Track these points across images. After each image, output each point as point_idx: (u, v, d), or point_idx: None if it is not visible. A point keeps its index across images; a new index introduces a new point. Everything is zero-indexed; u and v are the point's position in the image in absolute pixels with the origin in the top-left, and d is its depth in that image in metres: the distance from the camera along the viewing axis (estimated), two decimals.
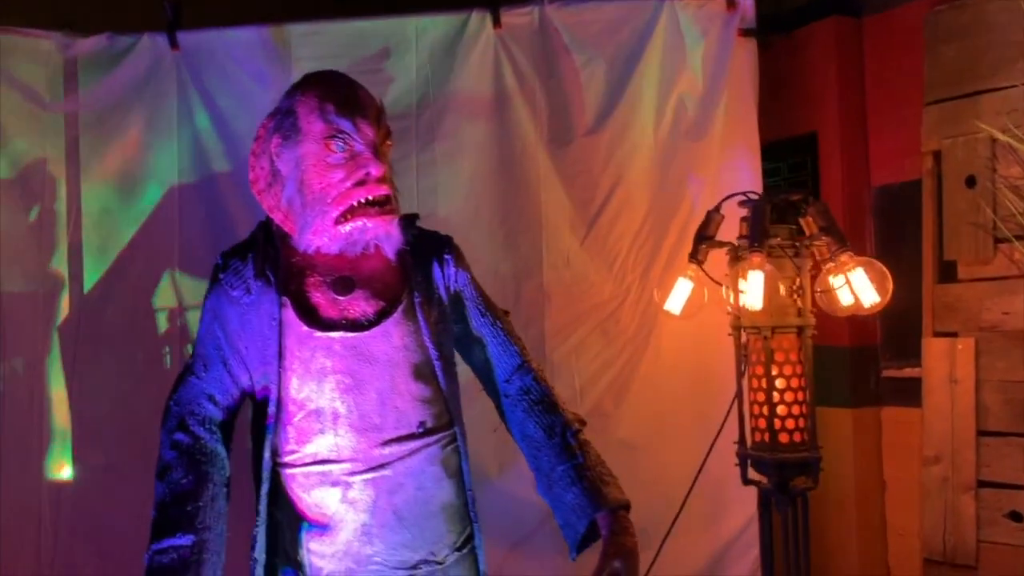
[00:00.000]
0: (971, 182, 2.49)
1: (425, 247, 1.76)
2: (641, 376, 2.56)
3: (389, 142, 1.70)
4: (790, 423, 1.99)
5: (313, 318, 1.64)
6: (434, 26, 2.68)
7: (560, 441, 1.74)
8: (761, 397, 2.00)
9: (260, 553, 1.65)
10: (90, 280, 2.72)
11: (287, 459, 1.65)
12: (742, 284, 1.91)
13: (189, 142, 2.74)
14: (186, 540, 1.56)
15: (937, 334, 2.56)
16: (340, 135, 1.61)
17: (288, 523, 1.67)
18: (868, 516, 2.84)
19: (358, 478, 1.62)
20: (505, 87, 2.65)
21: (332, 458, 1.63)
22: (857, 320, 2.86)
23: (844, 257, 1.98)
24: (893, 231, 2.85)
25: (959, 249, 2.52)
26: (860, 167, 2.92)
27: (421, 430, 1.67)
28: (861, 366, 2.88)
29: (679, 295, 2.14)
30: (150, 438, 1.75)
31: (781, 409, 1.99)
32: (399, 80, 2.67)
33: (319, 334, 1.63)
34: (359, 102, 1.65)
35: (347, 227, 1.63)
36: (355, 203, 1.62)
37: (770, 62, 2.97)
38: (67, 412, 2.65)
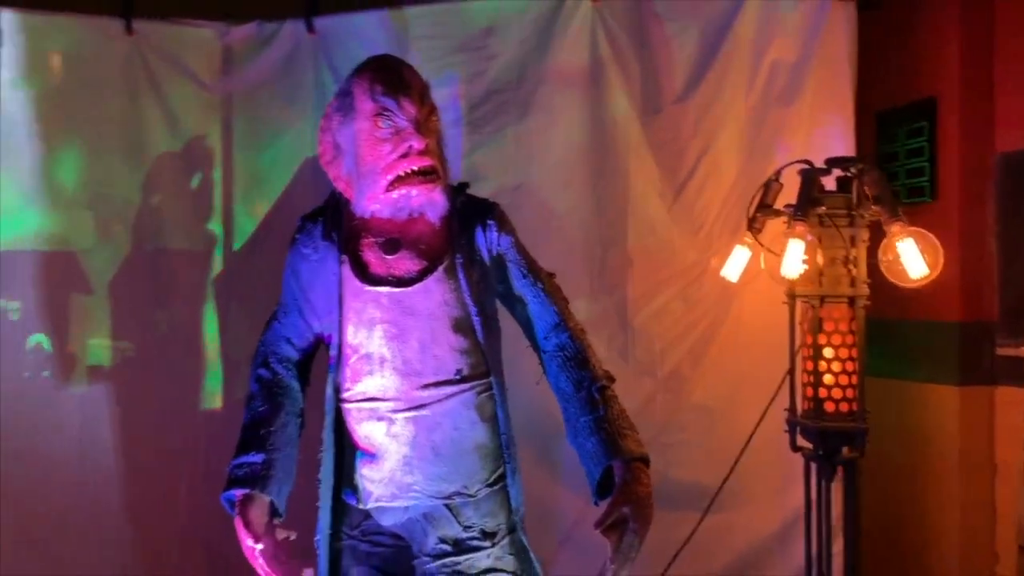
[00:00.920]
0: None
1: (470, 213, 1.94)
2: (720, 342, 2.63)
3: (434, 118, 1.89)
4: (836, 393, 1.99)
5: (365, 274, 1.87)
6: (535, 3, 2.83)
7: (586, 395, 1.87)
8: (810, 366, 2.02)
9: (326, 476, 1.92)
10: (240, 239, 3.16)
11: (344, 395, 1.90)
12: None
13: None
14: (257, 458, 1.85)
15: None
16: (385, 113, 1.82)
17: (347, 451, 1.92)
18: (973, 498, 2.73)
19: (400, 415, 1.85)
20: (600, 58, 2.77)
21: (379, 396, 1.86)
22: (971, 294, 2.75)
23: (896, 227, 1.94)
24: (1018, 198, 2.68)
25: None
26: (983, 132, 2.76)
27: (458, 377, 1.86)
28: (973, 342, 2.75)
29: (736, 263, 2.19)
30: None
31: (828, 379, 2.00)
32: (501, 56, 2.86)
33: (369, 288, 1.86)
34: (403, 82, 1.85)
35: (395, 194, 1.84)
36: (401, 173, 1.83)
37: (887, 25, 2.86)
38: (218, 352, 3.11)
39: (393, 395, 1.85)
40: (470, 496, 1.87)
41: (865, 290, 2.03)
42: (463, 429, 1.87)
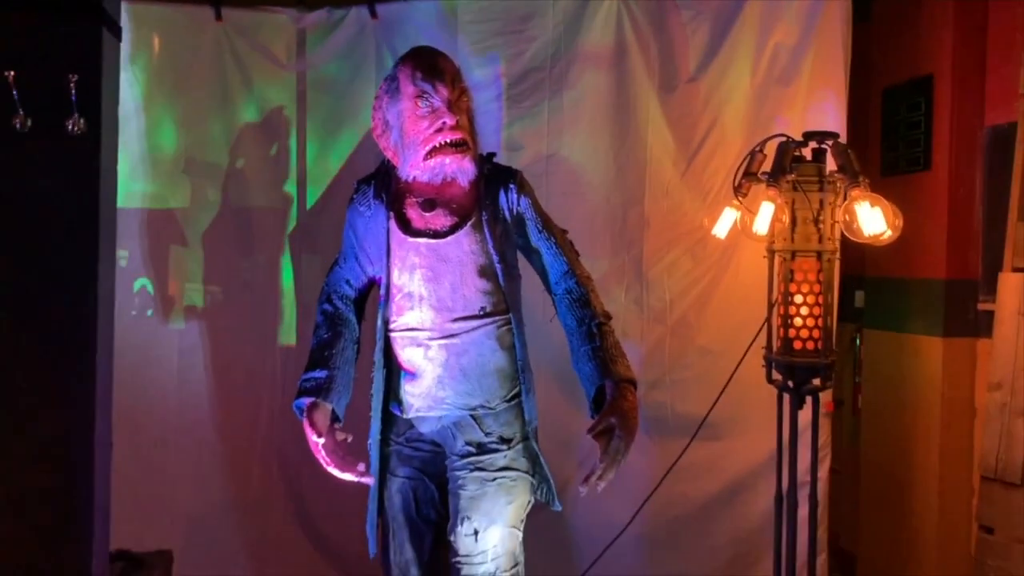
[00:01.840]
0: None
1: (495, 178, 2.32)
2: (721, 293, 2.98)
3: (465, 98, 2.27)
4: (804, 333, 2.33)
5: (408, 228, 2.28)
6: None
7: (587, 329, 2.26)
8: (783, 311, 2.36)
9: (376, 391, 2.35)
10: (311, 199, 3.61)
11: (391, 326, 2.32)
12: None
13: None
14: (321, 374, 2.30)
15: (1016, 269, 2.69)
16: (424, 95, 2.21)
17: (393, 371, 2.36)
18: (953, 440, 3.03)
19: (435, 342, 2.26)
20: (624, 42, 3.11)
21: (417, 327, 2.27)
22: (958, 255, 3.03)
23: (855, 192, 2.26)
24: (1003, 169, 2.94)
25: None
26: (973, 108, 3.02)
27: (482, 313, 2.26)
28: (957, 298, 3.04)
29: (725, 222, 2.53)
30: None
31: (798, 321, 2.33)
32: (538, 39, 3.21)
33: (411, 239, 2.26)
34: (438, 69, 2.24)
35: (431, 162, 2.24)
36: (436, 144, 2.22)
37: (895, 9, 3.13)
38: (292, 295, 3.58)
39: (429, 326, 2.25)
40: (491, 409, 2.27)
41: (831, 246, 2.36)
42: (486, 355, 2.26)
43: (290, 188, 3.62)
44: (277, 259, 3.60)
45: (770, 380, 2.45)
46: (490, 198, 2.30)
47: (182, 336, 3.54)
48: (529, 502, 2.29)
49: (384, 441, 2.36)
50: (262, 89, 3.58)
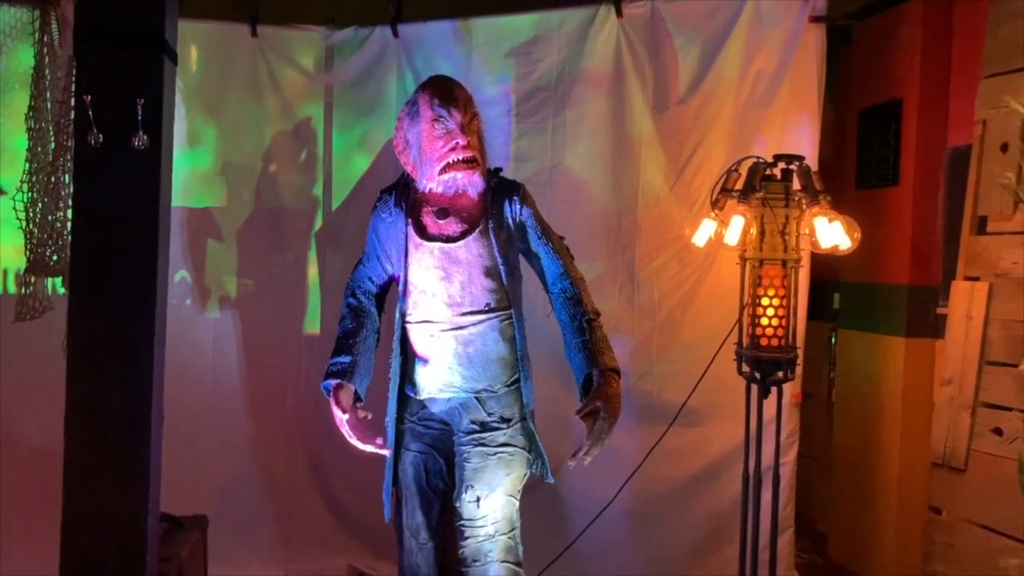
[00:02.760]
0: (1004, 148, 2.88)
1: (501, 190, 2.63)
2: (703, 294, 3.30)
3: (476, 121, 2.59)
4: (769, 331, 2.65)
5: (424, 233, 2.60)
6: (572, 17, 3.50)
7: (578, 324, 2.57)
8: (752, 311, 2.69)
9: (394, 375, 2.67)
10: (336, 202, 3.94)
11: (407, 318, 2.64)
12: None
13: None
14: (346, 359, 2.63)
15: (967, 278, 3.00)
16: (440, 119, 2.54)
17: (409, 358, 2.69)
18: (912, 431, 3.34)
19: (446, 334, 2.57)
20: (623, 65, 3.43)
21: (431, 319, 2.59)
22: (920, 263, 3.35)
23: (815, 209, 2.58)
24: (962, 187, 3.25)
25: (989, 206, 2.93)
26: (937, 130, 3.33)
27: (487, 308, 2.57)
28: (919, 302, 3.35)
29: (703, 232, 2.85)
30: None
31: (764, 321, 2.66)
32: (544, 60, 3.53)
33: (426, 243, 2.58)
34: (452, 96, 2.56)
35: (446, 176, 2.56)
36: (450, 161, 2.53)
37: (872, 37, 3.43)
38: (318, 290, 3.92)
39: (441, 319, 2.56)
40: (493, 392, 2.58)
41: (796, 255, 2.67)
42: (490, 345, 2.57)
43: (317, 191, 3.94)
44: (304, 256, 3.93)
45: (740, 372, 2.77)
46: (496, 208, 2.61)
47: (217, 324, 3.88)
48: (525, 475, 2.60)
49: (399, 419, 2.66)
50: (293, 100, 3.89)
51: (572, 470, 2.50)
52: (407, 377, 2.66)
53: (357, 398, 2.63)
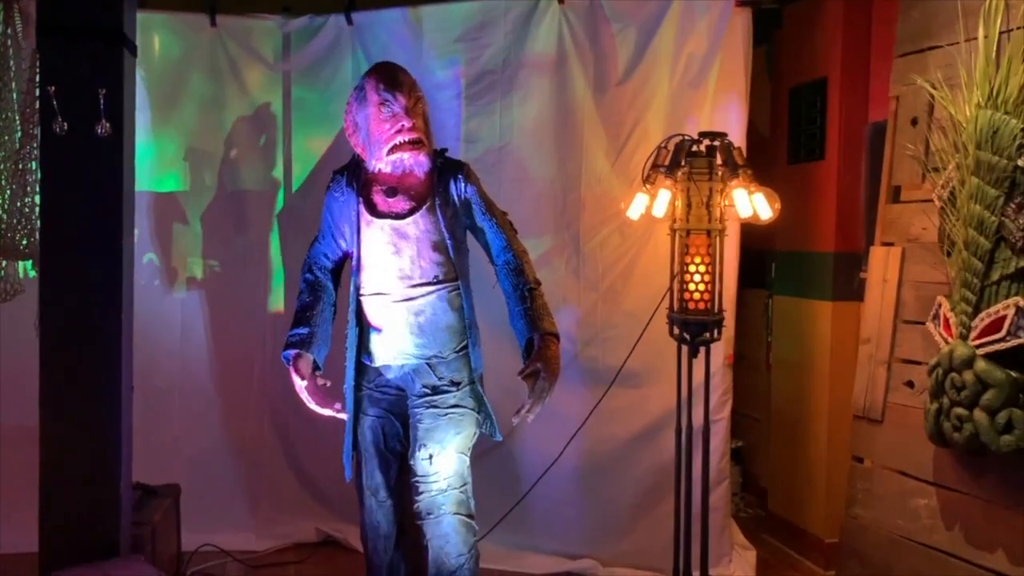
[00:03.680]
0: (914, 123, 3.10)
1: (446, 170, 2.81)
2: (642, 265, 3.52)
3: (420, 104, 2.76)
4: (696, 296, 2.86)
5: (374, 210, 2.78)
6: (517, 4, 3.67)
7: (520, 293, 2.77)
8: (682, 278, 2.90)
9: (351, 344, 2.85)
10: (296, 184, 4.09)
11: (362, 291, 2.82)
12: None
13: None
14: (304, 331, 2.81)
15: (883, 244, 3.23)
16: (386, 102, 2.71)
17: (364, 328, 2.87)
18: (839, 388, 3.56)
19: (398, 305, 2.76)
20: (565, 49, 3.61)
21: (384, 292, 2.76)
22: (845, 232, 3.58)
23: (734, 182, 2.79)
24: (881, 160, 3.48)
25: (901, 176, 3.15)
26: (859, 107, 3.55)
27: (435, 280, 2.75)
28: (844, 268, 3.58)
29: (637, 206, 3.06)
30: None
31: (691, 286, 2.87)
32: (492, 46, 3.70)
33: (377, 220, 2.76)
34: (397, 80, 2.73)
35: (393, 157, 2.73)
36: (396, 142, 2.71)
37: (799, 18, 3.64)
38: (281, 269, 4.09)
39: (393, 291, 2.74)
40: (443, 358, 2.77)
41: (719, 225, 2.87)
42: (439, 314, 2.76)
43: (277, 174, 4.09)
44: (267, 236, 4.09)
45: (672, 335, 2.99)
46: (442, 186, 2.80)
47: (184, 303, 4.05)
48: (475, 433, 2.81)
49: (357, 387, 2.85)
50: (252, 87, 4.04)
51: (517, 426, 2.70)
52: (363, 346, 2.84)
53: (316, 367, 2.82)
